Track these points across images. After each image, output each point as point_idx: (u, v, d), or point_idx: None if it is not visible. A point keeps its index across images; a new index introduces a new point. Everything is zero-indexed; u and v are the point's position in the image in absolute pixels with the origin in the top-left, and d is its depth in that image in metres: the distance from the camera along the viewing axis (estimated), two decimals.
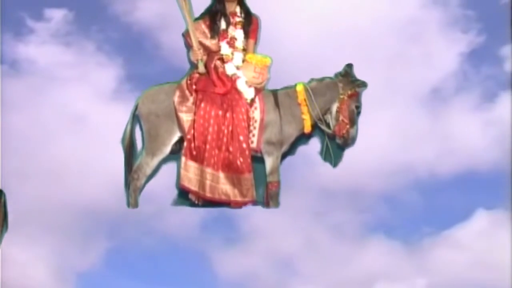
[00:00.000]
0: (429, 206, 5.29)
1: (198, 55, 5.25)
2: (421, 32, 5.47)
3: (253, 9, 5.38)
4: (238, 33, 5.34)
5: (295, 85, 5.38)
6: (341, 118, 5.31)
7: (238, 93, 5.26)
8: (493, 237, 5.26)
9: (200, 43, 5.28)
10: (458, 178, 5.26)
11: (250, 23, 5.37)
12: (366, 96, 5.38)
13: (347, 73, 5.33)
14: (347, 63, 5.31)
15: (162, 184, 5.37)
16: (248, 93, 5.28)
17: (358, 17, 5.50)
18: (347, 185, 5.52)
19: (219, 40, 5.33)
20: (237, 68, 5.31)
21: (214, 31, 5.32)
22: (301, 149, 5.45)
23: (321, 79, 5.37)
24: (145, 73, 5.61)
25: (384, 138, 5.52)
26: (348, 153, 5.32)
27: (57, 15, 5.68)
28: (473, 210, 5.31)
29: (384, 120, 5.33)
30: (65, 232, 5.39)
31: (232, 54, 5.31)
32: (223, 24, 5.35)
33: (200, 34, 5.30)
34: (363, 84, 5.32)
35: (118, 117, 5.40)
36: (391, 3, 5.52)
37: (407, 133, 5.39)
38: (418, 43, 5.48)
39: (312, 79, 5.38)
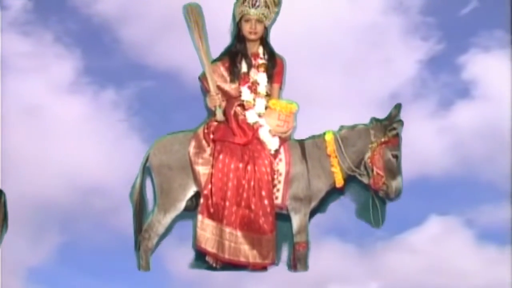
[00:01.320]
0: (384, 208, 5.32)
1: (216, 101, 4.90)
2: (381, 38, 5.50)
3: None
4: (260, 77, 4.98)
5: (324, 133, 5.05)
6: (375, 170, 4.94)
7: (261, 143, 4.89)
8: (445, 242, 5.32)
9: (218, 88, 4.95)
10: (412, 184, 5.29)
11: (274, 65, 5.02)
12: (323, 101, 5.40)
13: (385, 118, 5.02)
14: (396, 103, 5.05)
15: (176, 245, 5.16)
16: (272, 143, 4.91)
17: (317, 20, 5.52)
18: None
19: (239, 85, 4.97)
20: (260, 115, 4.95)
21: (234, 74, 4.96)
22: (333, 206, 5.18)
23: (353, 126, 5.05)
24: (103, 66, 5.49)
25: None
26: None
27: (16, 3, 5.57)
28: (426, 216, 5.37)
29: (341, 124, 5.29)
30: (15, 226, 5.32)
31: (254, 100, 4.96)
32: (244, 67, 4.98)
33: (219, 78, 4.97)
34: (396, 127, 5.00)
35: (75, 110, 5.37)
36: (351, 7, 5.54)
37: None
38: (377, 48, 5.51)
39: (343, 127, 5.05)
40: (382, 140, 4.96)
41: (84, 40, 5.55)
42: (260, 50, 5.02)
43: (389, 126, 4.99)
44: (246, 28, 4.98)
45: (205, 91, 5.00)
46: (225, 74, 4.97)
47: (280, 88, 5.06)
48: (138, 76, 5.50)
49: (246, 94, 4.96)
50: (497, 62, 5.45)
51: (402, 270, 5.19)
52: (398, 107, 5.05)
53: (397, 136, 5.04)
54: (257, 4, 4.95)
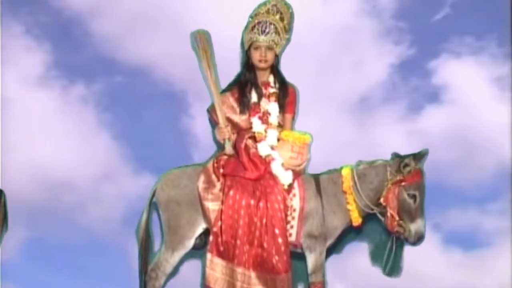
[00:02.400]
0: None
1: (226, 133, 4.65)
2: (353, 41, 5.50)
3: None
4: (272, 107, 4.73)
5: (341, 168, 4.79)
6: (388, 211, 4.61)
7: (273, 177, 4.61)
8: (411, 247, 5.36)
9: (228, 119, 4.69)
10: None
11: (286, 94, 4.78)
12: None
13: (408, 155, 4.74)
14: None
15: (185, 285, 4.96)
16: (285, 177, 4.63)
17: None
18: None
19: (250, 116, 4.72)
20: (272, 148, 4.70)
21: (244, 104, 4.70)
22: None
23: (372, 162, 4.77)
24: (73, 61, 5.44)
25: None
26: None
27: None
28: None
29: (310, 126, 5.25)
30: None
31: (266, 131, 4.69)
32: (254, 97, 4.73)
33: (228, 109, 4.73)
34: (409, 163, 4.68)
35: (44, 104, 5.31)
36: (324, 8, 5.55)
37: (332, 140, 5.40)
38: (349, 51, 5.51)
39: (361, 162, 4.78)
40: (397, 178, 4.64)
41: (54, 33, 5.50)
42: (271, 78, 4.79)
43: (405, 165, 4.69)
44: (255, 56, 4.75)
45: (214, 124, 4.77)
46: (235, 105, 4.73)
47: (293, 118, 4.84)
48: (109, 71, 5.47)
49: (257, 126, 4.71)
50: (467, 68, 5.49)
51: (369, 273, 5.20)
52: (426, 151, 4.80)
53: (417, 174, 4.70)
54: (267, 30, 4.73)
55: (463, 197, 5.37)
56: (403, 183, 4.61)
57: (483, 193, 5.34)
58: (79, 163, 5.30)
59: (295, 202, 4.62)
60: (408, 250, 5.08)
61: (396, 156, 4.76)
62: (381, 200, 4.60)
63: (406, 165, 4.69)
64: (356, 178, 4.67)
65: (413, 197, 4.61)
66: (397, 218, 4.59)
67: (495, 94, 5.46)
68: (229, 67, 4.92)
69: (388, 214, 4.58)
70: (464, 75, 5.49)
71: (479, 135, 5.43)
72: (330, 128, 5.44)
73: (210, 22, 4.98)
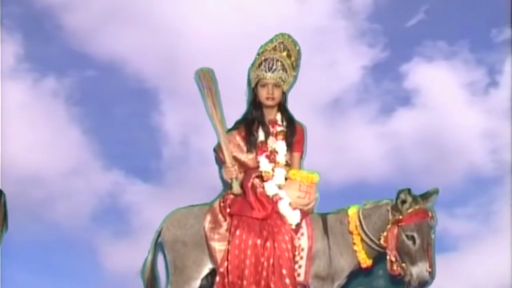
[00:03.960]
0: (322, 210, 5.34)
1: (233, 173, 4.51)
2: (327, 42, 5.52)
3: None
4: (279, 145, 4.59)
5: (348, 207, 4.59)
6: (388, 253, 4.37)
7: (281, 217, 4.47)
8: None
9: (235, 159, 4.56)
10: (349, 189, 5.31)
11: (293, 132, 4.64)
12: None
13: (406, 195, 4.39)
14: None
15: None
16: (293, 217, 4.48)
17: (264, 19, 5.50)
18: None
19: (257, 154, 4.58)
20: (279, 187, 4.55)
21: (251, 143, 4.57)
22: None
23: (378, 201, 4.53)
24: (45, 53, 5.39)
25: None
26: None
27: None
28: None
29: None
30: None
31: (273, 170, 4.55)
32: (261, 135, 4.60)
33: (235, 148, 4.60)
34: (405, 199, 4.37)
35: (14, 97, 5.24)
36: (299, 8, 5.56)
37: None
38: (323, 52, 5.52)
39: (368, 201, 4.55)
40: (397, 217, 4.38)
41: (25, 25, 5.44)
42: (278, 116, 4.67)
43: (403, 204, 4.39)
44: (262, 93, 4.63)
45: (221, 163, 4.63)
46: (242, 143, 4.60)
47: (301, 157, 4.67)
48: (80, 65, 5.43)
49: (264, 165, 4.57)
50: (439, 72, 5.53)
51: None
52: (434, 190, 4.48)
53: (416, 214, 4.38)
54: (274, 67, 4.62)
55: None
56: (401, 223, 4.35)
57: (452, 197, 5.36)
58: (49, 157, 5.26)
59: (303, 242, 4.48)
60: None
61: (400, 192, 4.44)
62: (381, 241, 4.40)
63: (403, 201, 4.40)
64: (361, 218, 4.47)
65: (412, 238, 4.32)
66: (398, 260, 4.35)
67: (467, 99, 5.51)
68: (235, 105, 4.84)
69: (388, 256, 4.37)
70: (436, 79, 5.53)
71: (449, 140, 5.48)
72: None
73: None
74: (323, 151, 5.39)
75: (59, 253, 5.15)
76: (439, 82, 5.53)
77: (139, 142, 5.44)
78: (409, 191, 4.39)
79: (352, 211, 4.50)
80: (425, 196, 4.44)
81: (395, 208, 4.38)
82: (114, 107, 5.37)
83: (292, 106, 5.35)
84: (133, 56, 5.36)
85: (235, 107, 4.76)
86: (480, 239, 5.33)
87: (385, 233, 4.34)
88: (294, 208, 4.50)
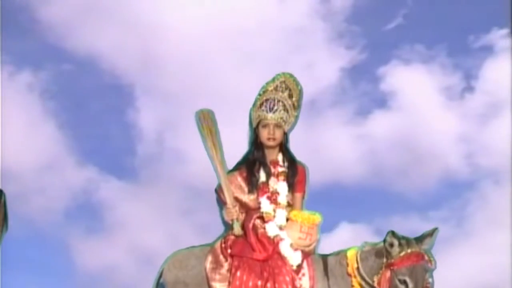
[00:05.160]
0: None
1: (234, 214, 4.46)
2: (305, 42, 5.52)
3: None
4: (281, 186, 4.54)
5: (348, 249, 4.52)
6: None
7: (282, 258, 4.43)
8: None
9: (236, 199, 4.51)
10: (324, 190, 5.30)
11: (295, 173, 4.58)
12: (242, 101, 5.35)
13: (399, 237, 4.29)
14: None
15: None
16: (294, 258, 4.44)
17: (243, 19, 5.49)
18: (214, 185, 5.49)
19: (258, 195, 4.52)
20: (281, 228, 4.50)
21: (252, 184, 4.52)
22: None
23: (377, 243, 4.44)
24: (20, 47, 5.33)
25: None
26: None
27: None
28: (337, 222, 5.42)
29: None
30: None
31: (274, 211, 4.50)
32: (262, 176, 4.55)
33: (236, 189, 4.54)
34: (391, 241, 4.27)
35: None
36: (279, 9, 5.55)
37: None
38: (301, 52, 5.52)
39: (366, 243, 4.48)
40: (389, 261, 4.28)
41: (1, 18, 5.37)
42: (280, 157, 4.61)
43: (386, 242, 4.31)
44: (264, 134, 4.57)
45: (222, 204, 4.59)
46: (243, 184, 4.55)
47: (303, 198, 4.62)
48: (56, 59, 5.39)
49: (265, 205, 4.53)
50: (416, 75, 5.56)
51: None
52: (429, 232, 4.40)
53: (408, 258, 4.28)
54: (275, 108, 4.57)
55: (406, 203, 5.42)
56: (393, 267, 4.25)
57: (426, 201, 5.40)
58: (23, 152, 5.20)
59: (304, 282, 4.43)
60: None
61: (386, 235, 4.36)
62: (375, 284, 4.31)
63: (391, 244, 4.30)
64: (359, 260, 4.40)
65: (404, 283, 4.21)
66: None
67: (443, 103, 5.54)
68: (236, 146, 4.78)
69: None
70: (413, 82, 5.55)
71: (424, 143, 5.50)
72: None
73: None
74: (298, 152, 5.36)
75: (32, 248, 5.11)
76: (416, 86, 5.56)
77: (113, 139, 5.41)
78: (393, 233, 4.31)
79: (351, 253, 4.44)
80: (420, 238, 4.37)
81: (389, 251, 4.29)
82: (89, 102, 5.34)
83: None
84: (110, 51, 5.33)
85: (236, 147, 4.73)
86: (453, 242, 5.36)
87: (379, 276, 4.27)
88: (295, 249, 4.46)
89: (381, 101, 5.56)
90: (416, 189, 5.46)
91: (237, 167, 4.62)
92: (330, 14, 5.51)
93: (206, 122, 4.56)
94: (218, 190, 4.59)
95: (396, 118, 5.55)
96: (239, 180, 4.57)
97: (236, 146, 4.84)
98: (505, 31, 5.52)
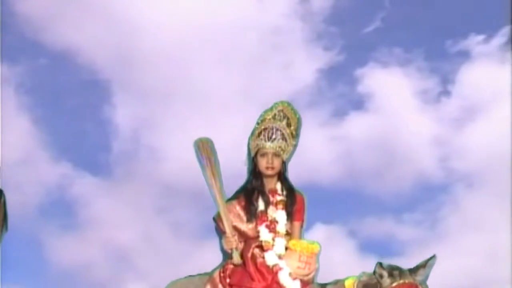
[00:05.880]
0: None
1: (233, 243, 4.44)
2: (283, 42, 5.52)
3: None
4: (279, 215, 4.54)
5: (345, 279, 4.48)
6: None
7: (281, 287, 4.41)
8: (328, 251, 5.37)
9: (235, 228, 4.49)
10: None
11: (293, 202, 4.57)
12: (219, 98, 5.34)
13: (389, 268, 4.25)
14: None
15: None
16: (293, 287, 4.42)
17: (222, 16, 5.48)
18: (190, 184, 5.48)
19: (257, 224, 4.51)
20: (280, 257, 4.47)
21: (251, 213, 4.51)
22: None
23: (372, 273, 4.38)
24: None
25: (230, 142, 5.48)
26: (191, 150, 5.27)
27: None
28: (312, 223, 5.42)
29: (233, 125, 5.25)
30: None
31: (273, 240, 4.49)
32: (261, 205, 4.53)
33: (235, 218, 4.53)
34: (380, 273, 4.23)
35: None
36: (257, 8, 5.54)
37: None
38: (278, 52, 5.52)
39: (364, 273, 4.42)
40: None
41: None
42: (278, 186, 4.60)
43: (376, 273, 4.27)
44: (262, 163, 4.57)
45: (221, 233, 4.56)
46: (242, 213, 4.53)
47: (302, 226, 4.62)
48: (32, 53, 5.34)
49: (264, 234, 4.51)
50: (393, 78, 5.58)
51: None
52: (423, 264, 4.33)
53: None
54: (274, 137, 4.56)
55: (381, 205, 5.46)
56: None
57: (400, 203, 5.44)
58: None
59: None
60: (323, 255, 5.09)
61: (375, 266, 4.32)
62: None
63: (380, 276, 4.28)
64: None
65: None
66: None
67: (419, 106, 5.57)
68: (235, 175, 4.77)
69: None
70: (390, 85, 5.58)
71: (400, 146, 5.53)
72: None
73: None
74: None
75: (4, 244, 5.04)
76: (392, 88, 5.58)
77: (89, 135, 5.39)
78: (380, 264, 4.29)
79: (349, 282, 4.41)
80: (414, 269, 4.33)
81: (380, 282, 4.28)
82: (65, 97, 5.30)
83: (244, 105, 5.38)
84: (87, 46, 5.29)
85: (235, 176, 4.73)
86: (426, 245, 5.40)
87: None
88: (294, 279, 4.43)
89: (358, 103, 5.59)
90: (391, 191, 5.50)
91: (235, 196, 4.60)
92: (308, 14, 5.52)
93: (205, 151, 4.56)
94: (217, 219, 4.56)
95: (372, 120, 5.58)
96: (238, 209, 4.55)
97: (213, 140, 4.86)
98: (482, 37, 5.59)
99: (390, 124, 5.56)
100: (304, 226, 4.67)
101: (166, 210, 5.43)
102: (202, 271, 4.83)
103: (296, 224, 4.60)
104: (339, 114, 5.56)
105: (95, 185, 5.37)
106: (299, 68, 5.52)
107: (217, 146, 4.71)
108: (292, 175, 5.14)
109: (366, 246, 5.42)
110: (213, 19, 5.45)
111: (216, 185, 4.50)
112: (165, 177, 5.42)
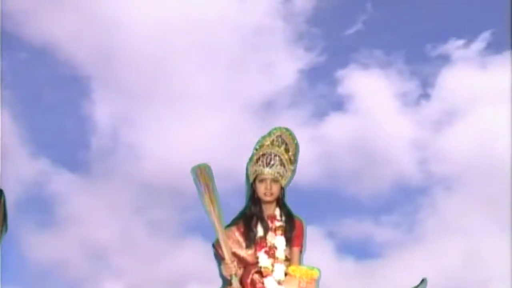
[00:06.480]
0: None
1: (232, 269, 4.39)
2: (264, 42, 5.52)
3: None
4: (278, 241, 4.52)
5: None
6: None
7: None
8: (306, 251, 5.41)
9: (234, 255, 4.46)
10: None
11: (292, 227, 4.55)
12: (200, 96, 5.33)
13: None
14: None
15: None
16: None
17: (203, 14, 5.46)
18: (169, 182, 5.46)
19: (256, 250, 4.49)
20: (279, 283, 4.43)
21: (250, 239, 4.49)
22: None
23: None
24: None
25: (210, 141, 5.47)
26: (170, 149, 5.26)
27: None
28: None
29: (213, 124, 5.25)
30: None
31: (273, 266, 4.46)
32: (260, 231, 4.52)
33: (234, 244, 4.50)
34: None
35: None
36: (239, 8, 5.53)
37: (234, 140, 5.39)
38: (260, 52, 5.52)
39: None
40: None
41: None
42: (277, 211, 4.56)
43: None
44: (261, 189, 4.53)
45: (220, 259, 4.51)
46: (241, 239, 4.51)
47: (301, 252, 4.59)
48: (12, 48, 5.28)
49: (263, 260, 4.49)
50: (374, 80, 5.60)
51: None
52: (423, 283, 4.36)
53: None
54: (272, 162, 4.53)
55: (359, 207, 5.47)
56: None
57: (379, 205, 5.45)
58: None
59: None
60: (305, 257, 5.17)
61: None
62: None
63: None
64: None
65: None
66: None
67: (399, 109, 5.58)
68: (233, 201, 4.79)
69: None
70: (370, 87, 5.59)
71: (379, 147, 5.54)
72: (234, 129, 5.43)
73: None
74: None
75: None
76: (373, 90, 5.59)
77: (68, 131, 5.35)
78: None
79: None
80: None
81: None
82: (44, 92, 5.26)
83: (224, 105, 5.38)
84: (67, 42, 5.25)
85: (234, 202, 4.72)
86: (404, 247, 5.42)
87: None
88: None
89: (338, 104, 5.60)
90: (370, 193, 5.51)
91: (234, 222, 4.56)
92: (291, 15, 5.52)
93: (203, 177, 4.49)
94: (216, 246, 4.51)
95: (352, 122, 5.59)
96: (237, 235, 4.52)
97: (193, 140, 4.87)
98: (462, 41, 5.62)
99: (370, 125, 5.58)
100: (302, 253, 4.61)
101: (144, 208, 5.41)
102: (180, 271, 4.84)
103: (295, 250, 4.57)
104: (319, 114, 5.58)
105: (73, 182, 5.34)
106: (280, 69, 5.52)
107: (197, 144, 4.72)
108: None
109: (344, 248, 5.44)
110: (194, 18, 5.43)
111: (215, 212, 4.44)
112: (143, 175, 5.40)
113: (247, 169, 4.61)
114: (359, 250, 5.43)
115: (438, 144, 5.55)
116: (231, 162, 5.20)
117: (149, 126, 5.41)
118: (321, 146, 5.52)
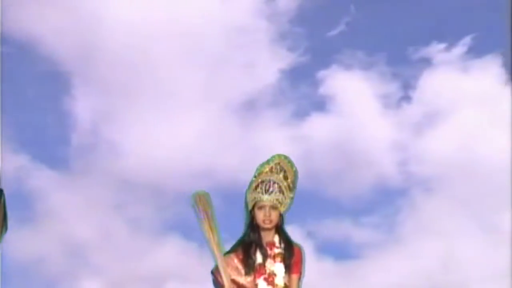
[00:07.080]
0: (229, 211, 5.33)
1: None
2: (247, 42, 5.53)
3: None
4: (277, 268, 4.43)
5: None
6: None
7: None
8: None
9: (233, 282, 4.39)
10: None
11: (291, 254, 4.45)
12: (181, 94, 5.32)
13: None
14: None
15: None
16: None
17: (186, 12, 5.46)
18: (149, 180, 5.45)
19: (255, 277, 4.37)
20: None
21: (249, 266, 4.40)
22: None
23: None
24: None
25: (191, 139, 5.47)
26: (151, 146, 5.24)
27: None
28: None
29: (194, 122, 5.27)
30: None
31: None
32: (259, 258, 4.41)
33: (233, 271, 4.43)
34: None
35: None
36: (222, 7, 5.54)
37: (215, 138, 5.40)
38: (242, 51, 5.53)
39: None
40: None
41: None
42: (276, 238, 4.47)
43: None
44: (259, 216, 4.43)
45: (219, 286, 4.43)
46: (240, 266, 4.42)
47: (299, 279, 4.50)
48: None
49: (263, 287, 4.43)
50: (356, 81, 5.63)
51: None
52: None
53: None
54: (271, 189, 4.45)
55: (339, 207, 5.49)
56: None
57: (359, 206, 5.47)
58: None
59: None
60: None
61: None
62: None
63: None
64: None
65: None
66: None
67: (380, 110, 5.62)
68: (232, 227, 4.70)
69: None
70: (352, 88, 5.62)
71: (359, 148, 5.56)
72: (214, 127, 5.44)
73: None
74: (234, 150, 5.39)
75: None
76: (354, 91, 5.62)
77: (48, 127, 5.33)
78: None
79: None
80: None
81: None
82: (25, 88, 5.23)
83: (206, 103, 5.37)
84: (49, 37, 5.24)
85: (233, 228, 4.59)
86: (383, 248, 5.45)
87: None
88: None
89: (319, 104, 5.62)
90: (349, 194, 5.52)
91: (233, 249, 4.47)
92: (274, 14, 5.54)
93: (202, 204, 4.46)
94: (215, 272, 4.43)
95: (333, 122, 5.61)
96: (236, 262, 4.42)
97: (173, 138, 4.88)
98: (443, 45, 5.67)
99: (351, 126, 5.60)
100: (301, 280, 4.46)
101: (124, 205, 5.41)
102: (159, 268, 4.83)
103: (294, 277, 4.48)
104: (300, 114, 5.60)
105: (52, 178, 5.32)
106: (262, 68, 5.54)
107: (178, 142, 4.72)
108: (251, 174, 5.16)
109: (324, 248, 5.45)
110: (177, 16, 5.43)
111: (214, 239, 4.40)
112: (124, 172, 5.39)
113: (246, 196, 4.52)
114: (338, 251, 5.45)
115: (419, 146, 5.59)
116: (211, 161, 5.21)
117: (130, 123, 5.40)
118: (301, 146, 5.54)
